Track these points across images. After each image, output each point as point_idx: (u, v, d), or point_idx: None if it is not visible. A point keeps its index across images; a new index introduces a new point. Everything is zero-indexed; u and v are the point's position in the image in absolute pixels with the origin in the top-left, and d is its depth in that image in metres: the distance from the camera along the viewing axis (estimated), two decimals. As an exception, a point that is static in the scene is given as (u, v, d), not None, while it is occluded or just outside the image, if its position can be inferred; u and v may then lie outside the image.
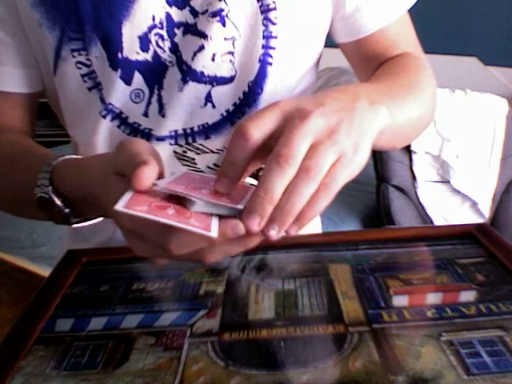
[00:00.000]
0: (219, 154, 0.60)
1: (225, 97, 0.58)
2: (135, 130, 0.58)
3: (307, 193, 0.36)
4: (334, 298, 0.45)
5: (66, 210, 0.47)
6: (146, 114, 0.58)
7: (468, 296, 0.45)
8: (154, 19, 0.54)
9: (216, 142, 0.59)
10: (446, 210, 1.92)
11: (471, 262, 0.50)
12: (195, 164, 0.61)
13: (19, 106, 0.60)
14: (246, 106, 0.58)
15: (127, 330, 0.43)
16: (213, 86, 0.57)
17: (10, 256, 2.29)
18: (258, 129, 0.37)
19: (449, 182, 1.92)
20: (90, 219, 0.50)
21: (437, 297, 0.46)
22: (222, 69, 0.56)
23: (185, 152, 0.60)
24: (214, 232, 0.35)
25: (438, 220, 1.89)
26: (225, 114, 0.58)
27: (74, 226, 0.49)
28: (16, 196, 0.55)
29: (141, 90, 0.57)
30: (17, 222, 2.30)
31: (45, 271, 2.06)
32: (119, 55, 0.54)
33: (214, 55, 0.56)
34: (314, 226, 0.76)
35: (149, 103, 0.57)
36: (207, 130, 0.59)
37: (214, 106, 0.58)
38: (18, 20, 0.55)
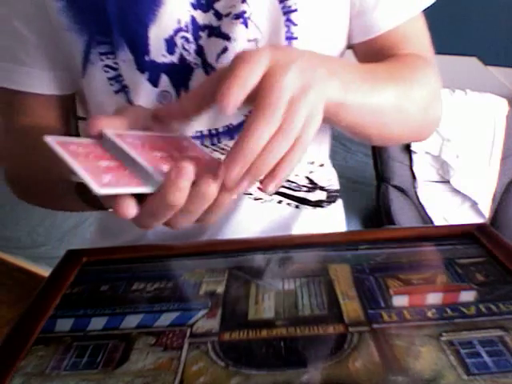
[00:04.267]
0: None
1: None
2: None
3: (283, 151, 0.39)
4: (334, 298, 0.45)
5: None
6: None
7: (468, 296, 0.45)
8: (179, 22, 0.55)
9: None
10: (446, 210, 1.92)
11: (471, 262, 0.50)
12: None
13: (52, 106, 0.62)
14: None
15: (127, 329, 0.43)
16: None
17: (10, 256, 2.29)
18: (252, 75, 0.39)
19: (449, 181, 1.92)
20: None
21: (437, 297, 0.46)
22: None
23: (211, 153, 0.60)
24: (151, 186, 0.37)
25: (438, 220, 1.89)
26: (248, 114, 0.59)
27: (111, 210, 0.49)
28: (51, 186, 0.56)
29: (167, 91, 0.58)
30: (17, 221, 2.30)
31: (45, 271, 2.06)
32: (146, 58, 0.55)
33: None
34: (338, 224, 0.76)
35: None
36: (232, 131, 0.59)
37: None
38: (48, 23, 0.56)
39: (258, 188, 0.40)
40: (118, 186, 0.37)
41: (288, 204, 0.67)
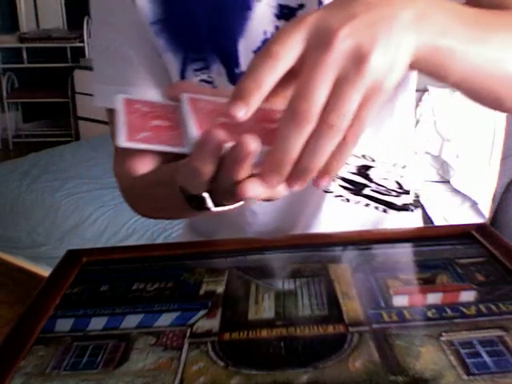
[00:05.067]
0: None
1: None
2: None
3: (331, 148, 0.34)
4: (334, 298, 0.45)
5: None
6: None
7: (468, 296, 0.45)
8: (265, 33, 0.56)
9: None
10: (446, 210, 1.92)
11: (471, 262, 0.50)
12: None
13: None
14: None
15: (127, 329, 0.43)
16: None
17: (10, 256, 2.29)
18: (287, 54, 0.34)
19: (449, 181, 1.92)
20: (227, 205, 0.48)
21: (437, 297, 0.46)
22: None
23: None
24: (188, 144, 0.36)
25: (438, 220, 1.89)
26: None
27: (215, 209, 0.47)
28: (165, 203, 0.57)
29: None
30: (17, 221, 2.30)
31: (45, 271, 2.07)
32: (236, 70, 0.58)
33: None
34: (415, 220, 0.74)
35: None
36: None
37: None
38: (150, 44, 0.59)
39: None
40: (148, 143, 0.36)
41: (376, 208, 0.67)
